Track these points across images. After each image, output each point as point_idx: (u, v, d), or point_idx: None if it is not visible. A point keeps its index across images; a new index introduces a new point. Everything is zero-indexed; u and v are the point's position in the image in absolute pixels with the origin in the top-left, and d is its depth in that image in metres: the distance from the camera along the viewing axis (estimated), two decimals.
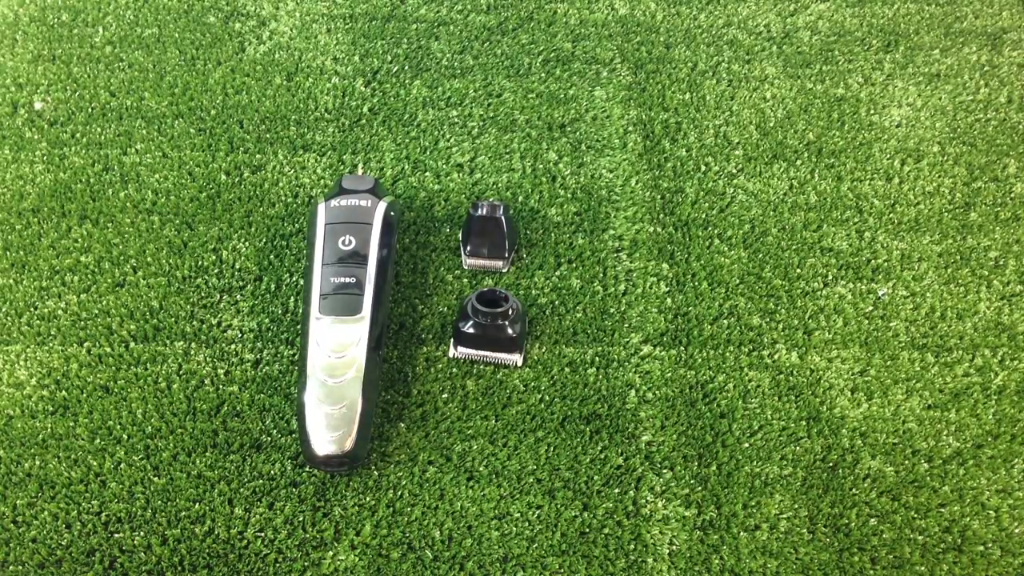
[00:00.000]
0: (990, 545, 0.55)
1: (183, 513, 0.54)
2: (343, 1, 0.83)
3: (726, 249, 0.68)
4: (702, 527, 0.54)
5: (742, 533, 0.54)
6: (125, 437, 0.57)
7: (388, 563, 0.53)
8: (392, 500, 0.55)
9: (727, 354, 0.63)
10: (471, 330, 0.60)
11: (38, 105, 0.74)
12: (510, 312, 0.60)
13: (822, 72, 0.80)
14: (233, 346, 0.62)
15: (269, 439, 0.58)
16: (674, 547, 0.53)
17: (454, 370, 0.61)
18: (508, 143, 0.74)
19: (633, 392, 0.60)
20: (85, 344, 0.61)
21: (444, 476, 0.56)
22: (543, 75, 0.79)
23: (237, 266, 0.66)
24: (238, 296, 0.64)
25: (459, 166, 0.72)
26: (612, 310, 0.65)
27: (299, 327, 0.62)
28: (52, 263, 0.65)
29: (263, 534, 0.54)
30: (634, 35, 0.82)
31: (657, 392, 0.60)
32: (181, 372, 0.60)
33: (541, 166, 0.72)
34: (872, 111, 0.77)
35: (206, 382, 0.60)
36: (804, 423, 0.59)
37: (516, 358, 0.61)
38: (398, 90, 0.77)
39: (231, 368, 0.60)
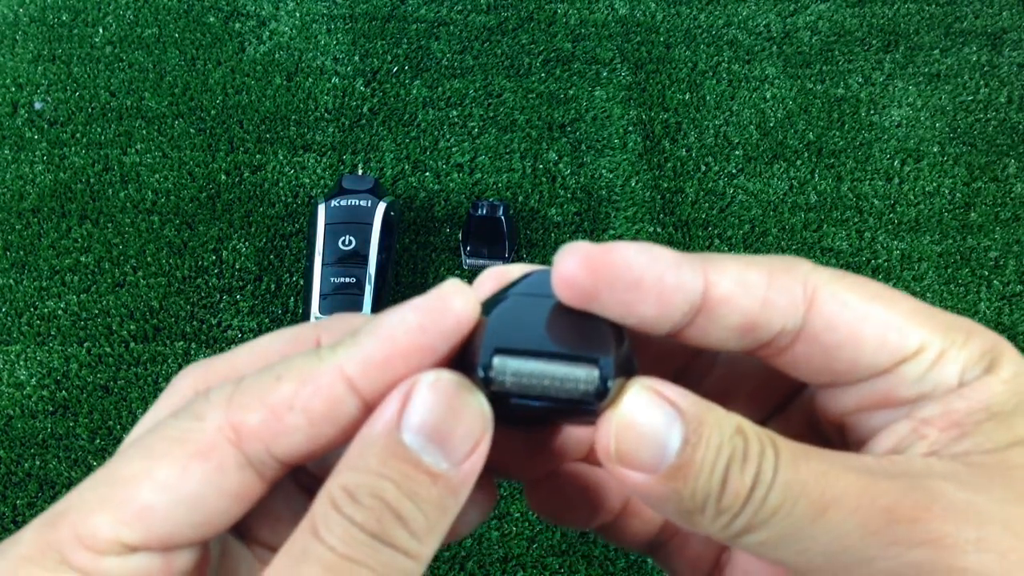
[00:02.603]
0: None
1: None
2: (343, 1, 0.83)
3: (726, 249, 0.68)
4: None
5: None
6: (125, 437, 0.57)
7: None
8: None
9: None
10: None
11: (38, 105, 0.74)
12: None
13: (822, 72, 0.80)
14: (233, 346, 0.62)
15: None
16: None
17: None
18: (508, 143, 0.74)
19: None
20: (85, 344, 0.61)
21: None
22: (543, 75, 0.79)
23: (237, 266, 0.66)
24: (238, 296, 0.64)
25: (459, 166, 0.72)
26: None
27: None
28: (52, 263, 0.65)
29: None
30: (634, 35, 0.82)
31: None
32: None
33: (541, 166, 0.72)
34: (872, 111, 0.77)
35: None
36: None
37: None
38: (398, 90, 0.77)
39: None
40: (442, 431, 0.16)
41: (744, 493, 0.16)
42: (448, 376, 0.16)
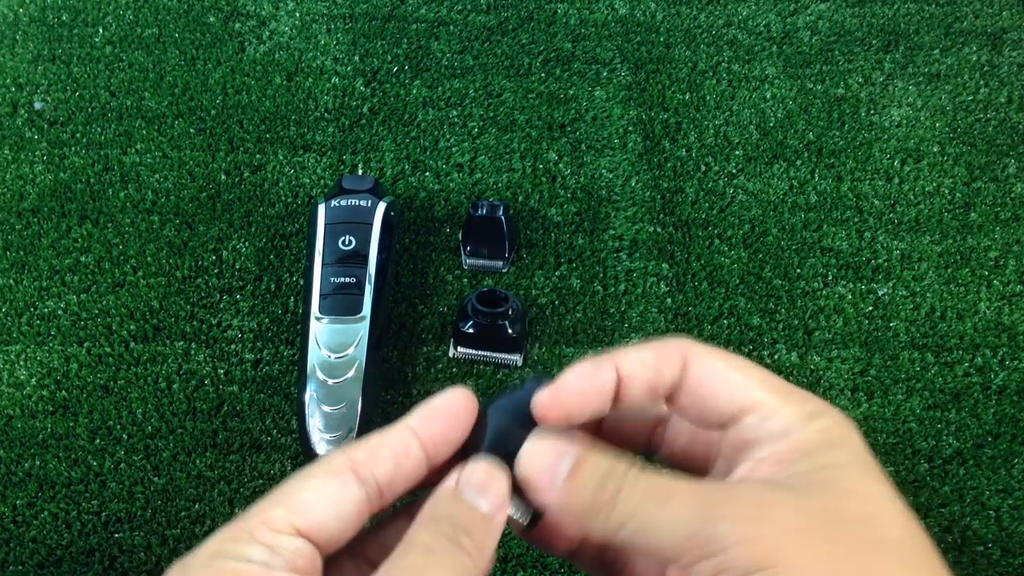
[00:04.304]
0: (990, 545, 0.55)
1: (183, 513, 0.54)
2: (343, 1, 0.83)
3: (726, 249, 0.68)
4: None
5: None
6: (125, 437, 0.57)
7: None
8: None
9: None
10: (471, 330, 0.60)
11: (38, 105, 0.74)
12: (510, 312, 0.60)
13: (822, 72, 0.80)
14: (233, 346, 0.62)
15: (269, 439, 0.58)
16: None
17: (454, 370, 0.61)
18: (508, 143, 0.74)
19: None
20: (85, 344, 0.61)
21: None
22: (543, 75, 0.79)
23: (237, 266, 0.66)
24: (238, 296, 0.64)
25: (459, 166, 0.72)
26: (612, 310, 0.65)
27: (299, 327, 0.62)
28: (52, 263, 0.65)
29: None
30: (634, 35, 0.82)
31: None
32: (181, 372, 0.60)
33: (541, 166, 0.72)
34: (872, 111, 0.77)
35: (206, 382, 0.60)
36: None
37: (516, 358, 0.61)
38: (398, 90, 0.77)
39: (231, 368, 0.60)
40: (485, 489, 0.27)
41: (614, 495, 0.26)
42: (485, 461, 0.27)
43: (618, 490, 0.26)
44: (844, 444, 0.27)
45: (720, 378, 0.28)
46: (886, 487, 0.26)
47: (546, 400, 0.28)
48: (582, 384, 0.28)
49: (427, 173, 0.72)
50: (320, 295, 0.59)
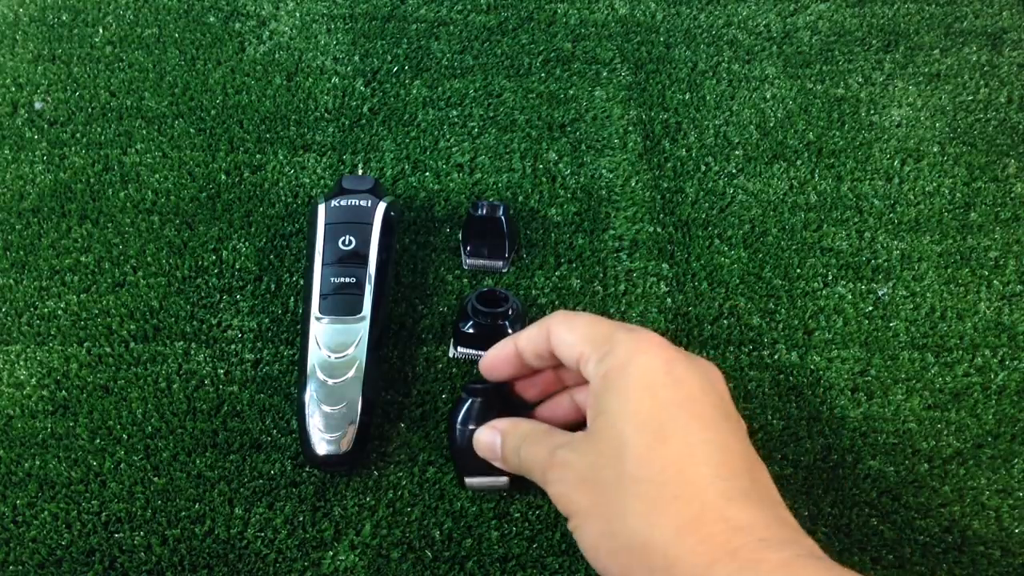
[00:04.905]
0: (990, 545, 0.55)
1: (183, 513, 0.54)
2: (343, 1, 0.83)
3: (726, 249, 0.68)
4: None
5: None
6: (125, 437, 0.57)
7: (388, 563, 0.53)
8: (392, 500, 0.55)
9: (727, 354, 0.63)
10: (471, 330, 0.60)
11: (38, 105, 0.74)
12: (510, 312, 0.60)
13: (822, 72, 0.80)
14: (233, 346, 0.62)
15: (269, 439, 0.58)
16: None
17: (454, 370, 0.61)
18: (508, 143, 0.74)
19: None
20: (85, 344, 0.61)
21: (444, 476, 0.56)
22: (543, 75, 0.79)
23: (237, 266, 0.66)
24: (238, 296, 0.64)
25: (459, 166, 0.72)
26: (612, 310, 0.65)
27: (299, 327, 0.62)
28: (52, 263, 0.65)
29: (263, 534, 0.54)
30: (634, 35, 0.82)
31: None
32: (181, 372, 0.60)
33: (541, 166, 0.72)
34: (872, 111, 0.77)
35: (206, 382, 0.60)
36: (804, 423, 0.59)
37: None
38: (398, 90, 0.77)
39: (231, 368, 0.60)
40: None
41: (529, 457, 0.41)
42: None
43: (522, 451, 0.40)
44: (616, 383, 0.36)
45: (560, 338, 0.40)
46: (655, 415, 0.34)
47: (481, 368, 0.48)
48: (494, 354, 0.47)
49: (427, 173, 0.72)
50: (320, 295, 0.59)
